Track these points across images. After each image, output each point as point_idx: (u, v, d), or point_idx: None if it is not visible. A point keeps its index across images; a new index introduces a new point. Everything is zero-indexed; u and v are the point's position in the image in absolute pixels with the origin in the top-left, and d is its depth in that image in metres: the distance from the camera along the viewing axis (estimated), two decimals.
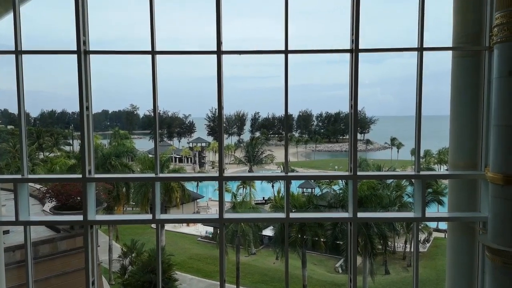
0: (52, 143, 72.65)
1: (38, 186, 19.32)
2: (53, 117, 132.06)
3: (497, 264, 5.61)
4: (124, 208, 40.85)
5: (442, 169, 60.11)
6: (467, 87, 6.54)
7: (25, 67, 6.26)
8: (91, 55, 6.29)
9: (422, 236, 42.04)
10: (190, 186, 51.24)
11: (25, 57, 6.24)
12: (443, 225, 41.70)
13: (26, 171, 6.40)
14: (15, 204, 6.36)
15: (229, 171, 61.40)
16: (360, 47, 6.21)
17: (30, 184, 14.73)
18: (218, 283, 6.75)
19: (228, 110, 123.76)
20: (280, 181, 43.65)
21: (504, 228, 5.60)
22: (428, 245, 42.84)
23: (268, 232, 40.25)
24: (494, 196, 5.77)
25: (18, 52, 6.14)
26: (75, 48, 6.10)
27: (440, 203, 40.03)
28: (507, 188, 5.54)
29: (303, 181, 51.25)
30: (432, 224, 43.77)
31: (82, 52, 6.12)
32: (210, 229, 43.70)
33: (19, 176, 6.39)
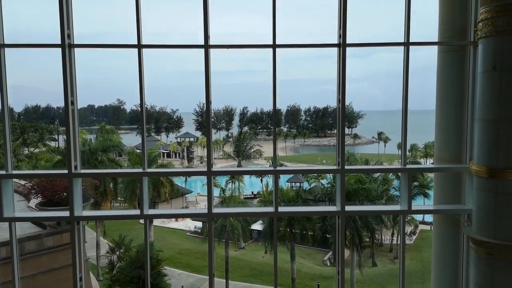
0: (37, 139, 71.48)
1: (23, 182, 19.00)
2: (37, 112, 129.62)
3: (481, 255, 5.74)
4: (112, 204, 40.50)
5: (428, 163, 60.99)
6: (452, 82, 6.62)
7: (8, 61, 6.13)
8: (76, 49, 6.19)
9: (408, 229, 42.72)
10: (179, 181, 51.05)
11: (8, 51, 6.10)
12: (429, 218, 42.40)
13: (10, 167, 6.29)
14: None
15: (218, 166, 61.36)
16: (348, 41, 6.23)
17: (15, 180, 14.48)
18: (207, 277, 6.76)
19: (216, 105, 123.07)
20: (269, 175, 43.72)
21: (488, 220, 5.72)
22: (414, 237, 43.53)
23: (257, 226, 40.41)
24: (478, 189, 5.88)
25: (0, 46, 6.01)
26: (59, 42, 5.99)
27: (426, 196, 40.68)
28: (491, 181, 5.65)
29: (291, 175, 51.56)
30: (418, 217, 44.46)
31: (67, 46, 6.01)
32: (199, 224, 43.65)
33: (3, 172, 6.28)
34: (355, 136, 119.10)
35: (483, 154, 5.79)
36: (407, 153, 7.27)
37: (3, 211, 6.27)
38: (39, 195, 15.36)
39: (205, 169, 6.55)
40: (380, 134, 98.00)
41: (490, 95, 5.64)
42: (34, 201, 15.81)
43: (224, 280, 32.45)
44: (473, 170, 5.96)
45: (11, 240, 6.41)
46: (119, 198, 40.42)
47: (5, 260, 12.21)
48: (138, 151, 45.51)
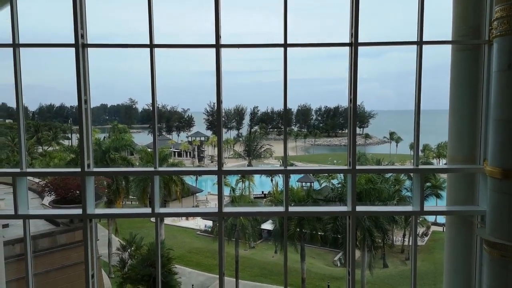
0: (50, 137, 72.59)
1: (37, 180, 19.32)
2: (51, 111, 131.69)
3: (495, 257, 5.65)
4: (123, 202, 40.91)
5: (441, 163, 60.27)
6: (466, 81, 6.52)
7: (23, 60, 6.22)
8: (89, 49, 6.26)
9: (420, 230, 42.27)
10: (189, 180, 51.31)
11: (23, 50, 6.20)
12: (441, 219, 41.92)
13: (24, 165, 6.39)
14: (14, 197, 6.35)
15: (229, 165, 61.46)
16: (359, 40, 6.18)
17: (29, 178, 14.71)
18: (217, 276, 6.78)
19: (227, 104, 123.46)
20: (279, 175, 43.69)
21: (502, 221, 5.63)
22: (426, 238, 43.07)
23: (267, 226, 40.41)
24: (492, 190, 5.79)
25: (15, 45, 6.10)
26: (73, 42, 6.07)
27: (439, 197, 40.23)
28: (505, 182, 5.55)
29: (302, 175, 51.40)
30: (431, 218, 43.99)
31: (80, 46, 6.08)
32: (209, 223, 43.84)
33: (18, 170, 6.38)
34: (367, 136, 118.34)
35: (498, 154, 5.70)
36: (420, 153, 7.17)
37: (18, 208, 6.37)
38: (52, 193, 15.58)
39: (216, 168, 6.57)
40: (392, 134, 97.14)
41: (505, 95, 5.54)
42: (47, 199, 16.04)
43: (234, 279, 32.52)
44: (487, 171, 5.87)
45: (25, 237, 6.51)
46: (130, 197, 40.79)
47: (19, 257, 12.43)
48: (149, 150, 45.91)
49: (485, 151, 6.26)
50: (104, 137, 49.12)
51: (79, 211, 6.46)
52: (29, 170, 6.66)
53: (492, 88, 5.81)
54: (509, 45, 5.47)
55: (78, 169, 6.35)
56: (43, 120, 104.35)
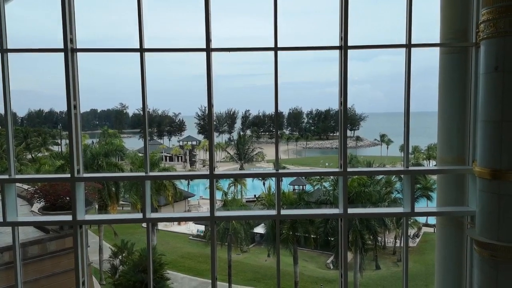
0: (39, 143, 71.70)
1: (26, 186, 19.05)
2: (40, 116, 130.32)
3: (485, 257, 5.70)
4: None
5: (431, 165, 60.84)
6: (454, 83, 6.61)
7: (11, 66, 6.15)
8: (78, 54, 6.22)
9: (411, 231, 42.57)
10: (181, 185, 51.07)
11: (11, 55, 6.13)
12: (432, 220, 42.28)
13: (13, 171, 6.30)
14: (2, 204, 6.25)
15: (221, 169, 61.37)
16: (349, 44, 6.23)
17: (18, 184, 14.51)
18: (210, 281, 6.74)
19: (219, 108, 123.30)
20: (272, 178, 43.86)
21: (491, 221, 5.69)
22: (417, 240, 43.38)
23: (260, 229, 40.35)
24: (482, 190, 5.85)
25: (3, 51, 6.03)
26: (62, 47, 6.02)
27: (429, 198, 40.60)
28: (494, 182, 5.62)
29: (294, 178, 51.51)
30: (422, 219, 44.32)
31: (69, 50, 6.03)
32: (202, 227, 43.62)
33: (6, 177, 6.29)
34: (358, 138, 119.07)
35: (486, 155, 5.77)
36: (410, 155, 7.26)
37: (6, 215, 6.27)
38: (42, 199, 15.37)
39: (208, 172, 6.55)
40: (382, 136, 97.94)
41: (493, 96, 5.62)
42: (37, 206, 15.81)
43: (227, 284, 32.37)
44: (476, 171, 5.93)
45: (14, 245, 6.41)
46: (121, 202, 40.43)
47: (8, 265, 12.22)
48: (140, 155, 45.62)
49: (474, 152, 6.34)
50: (92, 142, 48.60)
51: (69, 217, 6.39)
52: (17, 176, 6.56)
53: (480, 90, 5.89)
54: (496, 48, 5.56)
55: (68, 175, 6.29)
56: (32, 125, 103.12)
